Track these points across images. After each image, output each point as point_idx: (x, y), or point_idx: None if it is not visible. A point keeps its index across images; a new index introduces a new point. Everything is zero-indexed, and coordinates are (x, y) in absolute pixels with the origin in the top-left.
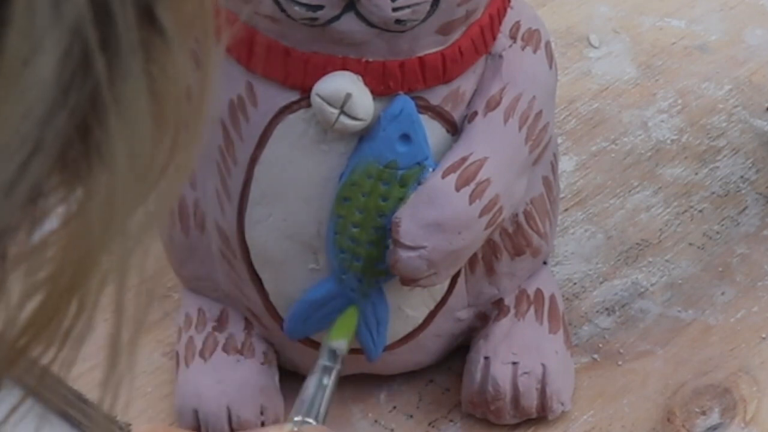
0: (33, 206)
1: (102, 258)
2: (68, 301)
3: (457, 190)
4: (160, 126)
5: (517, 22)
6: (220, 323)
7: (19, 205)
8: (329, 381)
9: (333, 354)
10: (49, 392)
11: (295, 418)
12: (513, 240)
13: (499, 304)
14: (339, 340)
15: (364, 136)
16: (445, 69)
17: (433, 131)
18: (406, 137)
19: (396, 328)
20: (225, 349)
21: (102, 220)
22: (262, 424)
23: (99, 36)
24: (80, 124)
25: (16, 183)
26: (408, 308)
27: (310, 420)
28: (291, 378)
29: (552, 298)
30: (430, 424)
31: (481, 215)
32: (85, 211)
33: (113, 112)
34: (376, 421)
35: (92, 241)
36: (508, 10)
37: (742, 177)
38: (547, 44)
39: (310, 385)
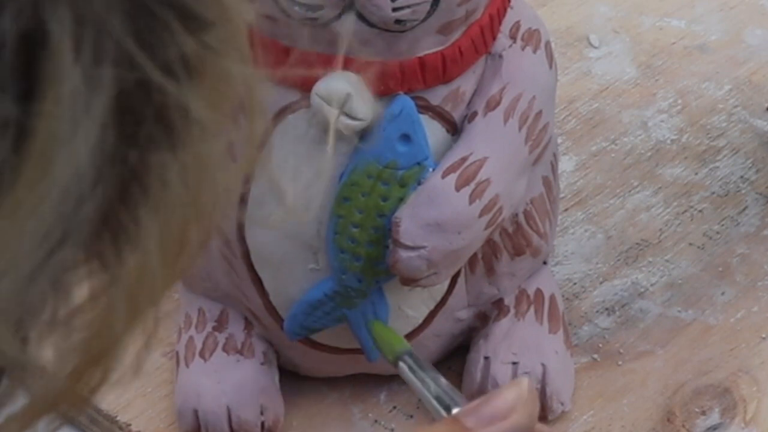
0: (55, 291)
1: (129, 335)
2: (93, 369)
3: (457, 190)
4: (194, 213)
5: (517, 22)
6: (220, 323)
7: (41, 292)
8: (426, 374)
9: (409, 355)
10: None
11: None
12: (513, 240)
13: (499, 304)
14: (402, 347)
15: (364, 136)
16: (445, 69)
17: (433, 131)
18: (406, 137)
19: (396, 328)
20: (225, 349)
21: (130, 305)
22: (262, 424)
23: (128, 131)
24: (109, 213)
25: (39, 272)
26: (408, 308)
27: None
28: (291, 378)
29: (552, 298)
30: (430, 423)
31: (481, 215)
32: (111, 295)
33: (143, 203)
34: (376, 421)
35: (119, 322)
36: (508, 10)
37: (742, 177)
38: (547, 44)
39: (427, 388)
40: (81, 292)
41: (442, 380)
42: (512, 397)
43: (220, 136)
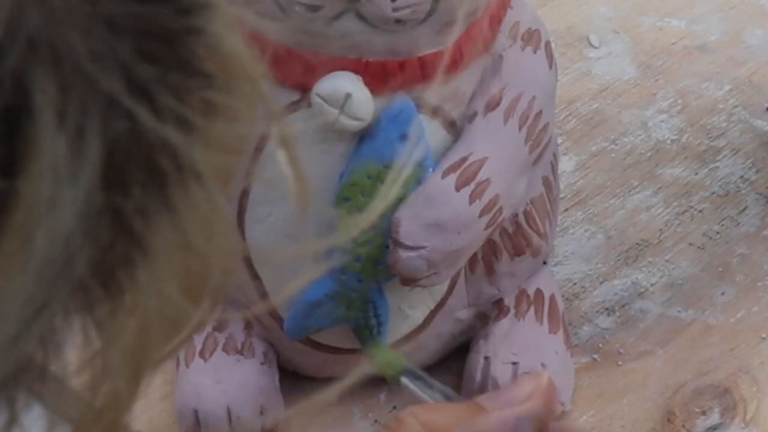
0: (44, 351)
1: (135, 388)
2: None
3: (457, 190)
4: (196, 269)
5: (517, 22)
6: (220, 323)
7: (28, 353)
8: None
9: (410, 371)
10: (54, 397)
11: None
12: (513, 240)
13: (499, 304)
14: (401, 364)
15: (364, 136)
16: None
17: (433, 131)
18: (406, 137)
19: (396, 328)
20: (225, 349)
21: (130, 363)
22: (263, 425)
23: (121, 192)
24: (102, 274)
25: (24, 334)
26: (408, 308)
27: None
28: (291, 378)
29: (552, 298)
30: None
31: (481, 215)
32: (109, 355)
33: (140, 262)
34: (376, 421)
35: (120, 379)
36: (508, 10)
37: (742, 177)
38: (547, 44)
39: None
40: (78, 349)
41: (449, 390)
42: (530, 387)
43: (221, 190)
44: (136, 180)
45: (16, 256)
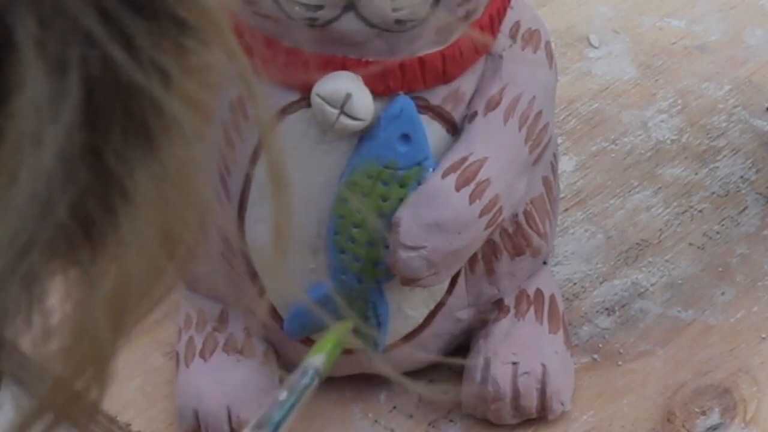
0: (28, 296)
1: (116, 342)
2: (84, 376)
3: (457, 190)
4: (176, 218)
5: (517, 22)
6: (220, 323)
7: (13, 296)
8: (297, 399)
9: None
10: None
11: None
12: (513, 240)
13: (499, 304)
14: (316, 356)
15: (364, 136)
16: (445, 69)
17: (433, 131)
18: (406, 137)
19: (396, 328)
20: (225, 349)
21: (112, 313)
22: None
23: (101, 133)
24: (84, 218)
25: (8, 276)
26: (408, 308)
27: None
28: None
29: (552, 298)
30: (430, 424)
31: (481, 215)
32: (90, 303)
33: (122, 208)
34: (376, 421)
35: (101, 330)
36: (508, 10)
37: (742, 177)
38: (547, 44)
39: (279, 402)
40: (60, 299)
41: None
42: None
43: (201, 137)
44: (116, 123)
45: (2, 191)
